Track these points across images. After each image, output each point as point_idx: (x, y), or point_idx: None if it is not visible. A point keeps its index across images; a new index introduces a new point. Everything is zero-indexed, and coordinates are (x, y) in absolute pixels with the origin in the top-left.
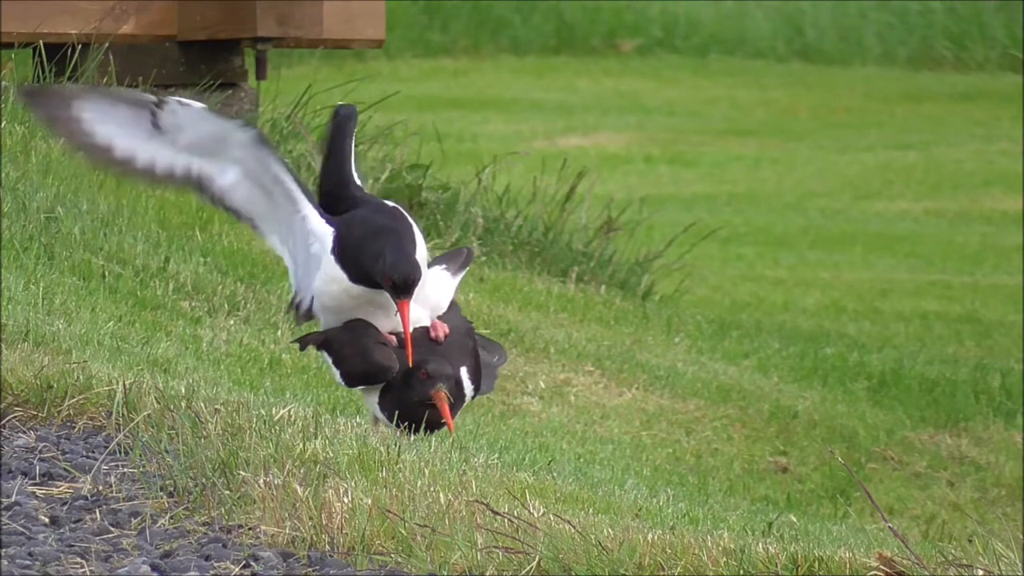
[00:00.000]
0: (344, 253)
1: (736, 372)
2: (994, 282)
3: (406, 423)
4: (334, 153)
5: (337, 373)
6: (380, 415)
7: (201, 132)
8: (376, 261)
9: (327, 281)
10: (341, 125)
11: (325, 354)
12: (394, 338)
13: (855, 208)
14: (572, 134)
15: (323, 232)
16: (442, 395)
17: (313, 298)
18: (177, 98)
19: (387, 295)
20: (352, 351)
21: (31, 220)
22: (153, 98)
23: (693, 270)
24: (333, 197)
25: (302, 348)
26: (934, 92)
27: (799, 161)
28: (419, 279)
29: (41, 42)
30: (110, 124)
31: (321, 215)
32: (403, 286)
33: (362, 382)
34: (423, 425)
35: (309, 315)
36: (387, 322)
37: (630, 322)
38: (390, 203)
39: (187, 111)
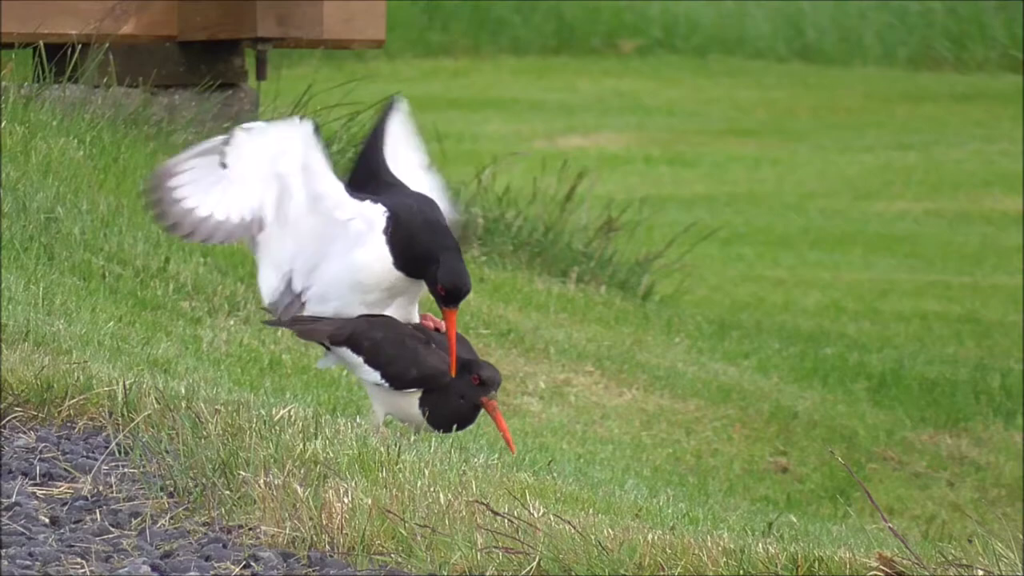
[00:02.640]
0: (396, 238)
1: (736, 372)
2: (994, 282)
3: (445, 425)
4: (374, 139)
5: (373, 372)
6: (413, 413)
7: (259, 152)
8: (431, 266)
9: (368, 260)
10: (386, 114)
11: (348, 350)
12: (430, 322)
13: (855, 208)
14: (572, 134)
15: (374, 212)
16: (495, 403)
17: (311, 286)
18: (243, 126)
19: (418, 285)
20: (400, 353)
21: (31, 220)
22: (223, 137)
23: (693, 270)
24: (365, 179)
25: (304, 337)
26: (934, 92)
27: (799, 161)
28: (469, 291)
29: (41, 42)
30: (191, 185)
31: (362, 195)
32: (454, 297)
33: (413, 386)
34: (452, 422)
35: (297, 305)
36: (399, 313)
37: (630, 322)
38: (420, 192)
39: (247, 133)
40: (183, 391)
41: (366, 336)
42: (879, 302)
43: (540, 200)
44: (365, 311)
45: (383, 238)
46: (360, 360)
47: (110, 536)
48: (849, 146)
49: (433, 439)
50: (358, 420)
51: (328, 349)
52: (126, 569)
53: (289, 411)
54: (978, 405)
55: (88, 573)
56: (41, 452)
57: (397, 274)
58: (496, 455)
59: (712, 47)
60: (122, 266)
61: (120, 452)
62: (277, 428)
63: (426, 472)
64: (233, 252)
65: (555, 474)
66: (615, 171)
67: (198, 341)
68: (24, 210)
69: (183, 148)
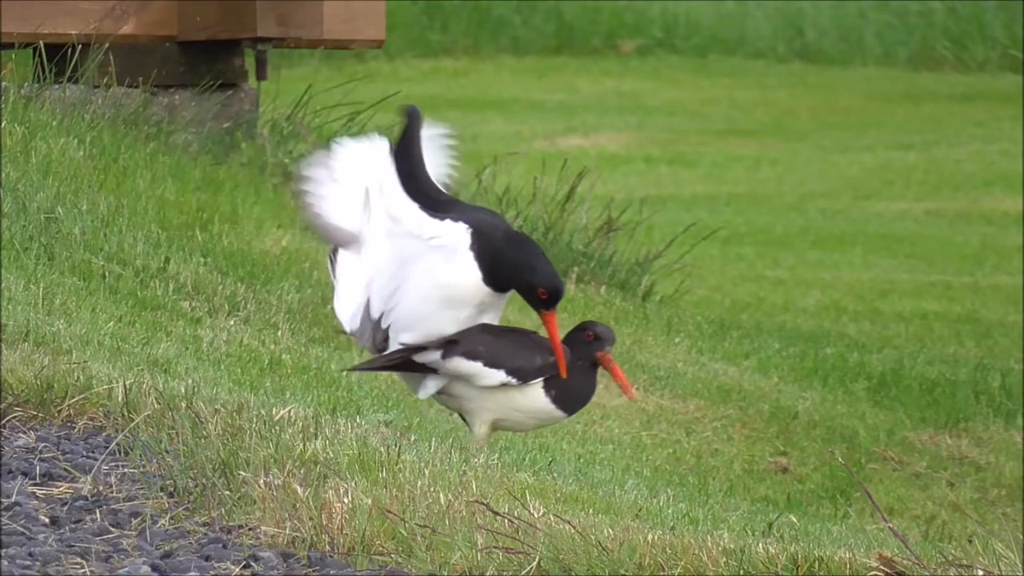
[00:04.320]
0: (483, 253)
1: (736, 372)
2: (994, 282)
3: (573, 403)
4: (411, 158)
5: (497, 372)
6: (535, 407)
7: (352, 166)
8: (528, 273)
9: (458, 278)
10: (411, 127)
11: (464, 359)
12: None
13: (855, 208)
14: (572, 134)
15: (456, 230)
16: (611, 356)
17: (393, 310)
18: (336, 140)
19: (502, 300)
20: (516, 346)
21: (31, 220)
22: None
23: (693, 270)
24: (418, 196)
25: (445, 356)
26: (934, 92)
27: (799, 161)
28: (564, 294)
29: (41, 42)
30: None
31: (438, 214)
32: (554, 299)
33: (539, 374)
34: (578, 400)
35: (378, 332)
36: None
37: (630, 322)
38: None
39: (341, 147)
40: (183, 391)
41: (477, 341)
42: (879, 302)
43: (540, 200)
44: (453, 330)
45: (471, 255)
46: (479, 365)
47: (110, 536)
48: (849, 146)
49: (432, 439)
50: (358, 420)
51: (428, 372)
52: (126, 569)
53: (289, 411)
54: (978, 405)
55: (88, 573)
56: (41, 452)
57: (487, 290)
58: (496, 455)
59: (712, 47)
60: (122, 266)
61: (120, 452)
62: (277, 428)
63: (426, 472)
64: (233, 252)
65: (555, 474)
66: (615, 171)
67: (198, 341)
68: (24, 210)
69: (183, 149)
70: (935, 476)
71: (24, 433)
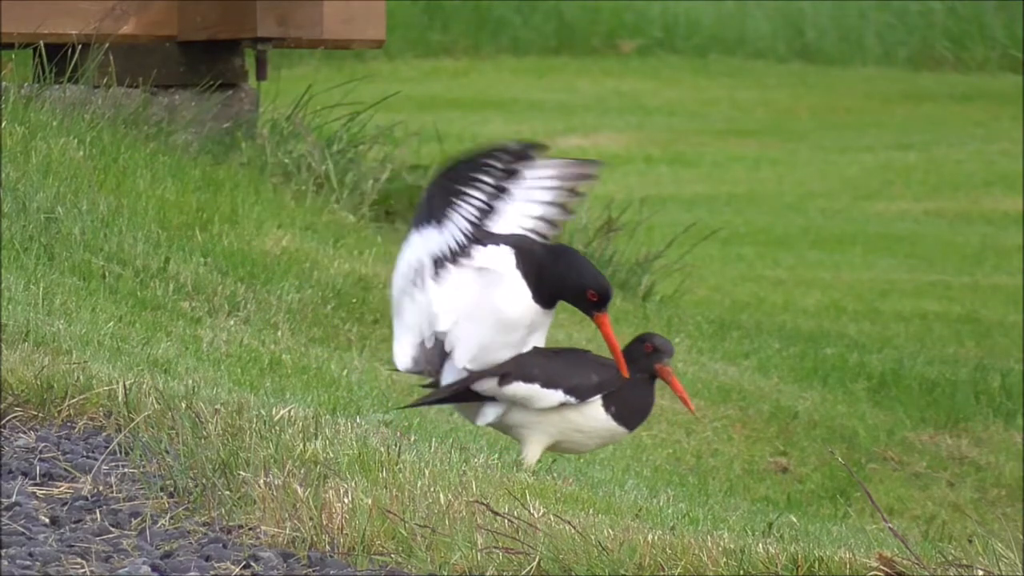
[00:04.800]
0: (529, 271)
1: (736, 372)
2: (994, 282)
3: (633, 418)
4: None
5: (555, 393)
6: (593, 426)
7: None
8: (575, 279)
9: (510, 300)
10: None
11: (521, 383)
12: None
13: (855, 208)
14: (572, 134)
15: (501, 253)
16: (670, 369)
17: (450, 341)
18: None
19: (547, 317)
20: (571, 365)
21: (31, 220)
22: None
23: (693, 270)
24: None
25: (502, 383)
26: (934, 92)
27: (799, 161)
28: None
29: (41, 42)
30: None
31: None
32: (604, 300)
33: (597, 391)
34: (638, 414)
35: (435, 364)
36: (525, 349)
37: (630, 322)
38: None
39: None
40: (183, 391)
41: (532, 363)
42: (879, 302)
43: None
44: (509, 354)
45: (517, 274)
46: (536, 387)
47: (110, 536)
48: (849, 146)
49: (432, 439)
50: (358, 420)
51: (485, 400)
52: (126, 569)
53: (289, 411)
54: (978, 405)
55: (88, 573)
56: (41, 452)
57: (536, 307)
58: (496, 455)
59: (712, 47)
60: (122, 266)
61: (120, 452)
62: (277, 428)
63: (426, 472)
64: (233, 252)
65: (555, 474)
66: (615, 171)
67: (198, 341)
68: (24, 210)
69: (183, 149)
70: (935, 476)
71: (24, 433)
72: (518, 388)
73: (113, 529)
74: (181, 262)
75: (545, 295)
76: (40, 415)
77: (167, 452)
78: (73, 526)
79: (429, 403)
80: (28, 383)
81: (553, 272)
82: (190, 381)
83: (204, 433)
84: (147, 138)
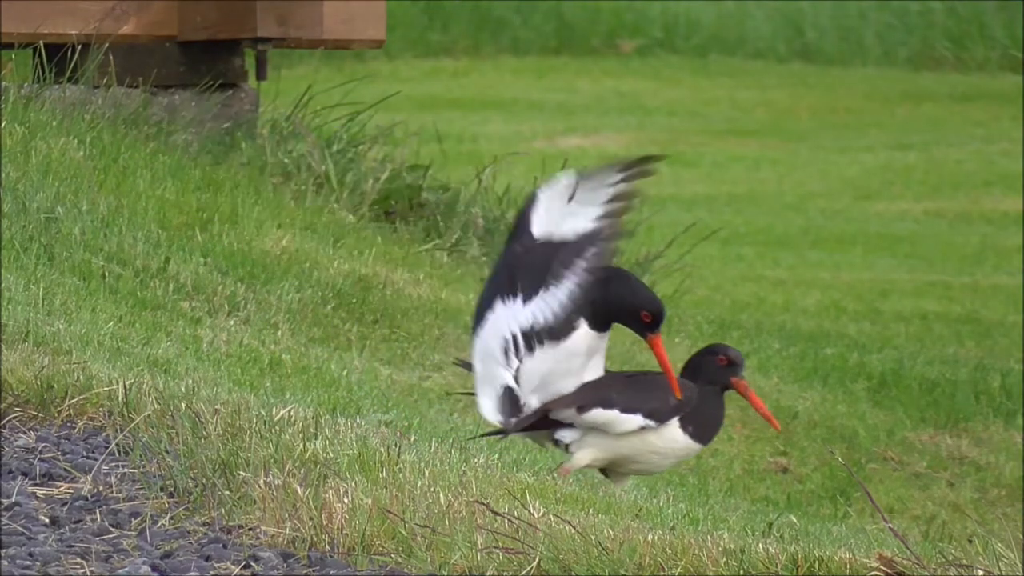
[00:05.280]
0: (584, 298)
1: None
2: (994, 282)
3: (708, 435)
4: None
5: (634, 417)
6: (669, 448)
7: None
8: (628, 301)
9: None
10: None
11: (600, 410)
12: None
13: (855, 209)
14: (572, 134)
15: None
16: (746, 383)
17: (522, 381)
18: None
19: (603, 341)
20: (646, 388)
21: (31, 220)
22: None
23: (693, 270)
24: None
25: (581, 410)
26: (934, 92)
27: (799, 162)
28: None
29: (41, 42)
30: None
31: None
32: (657, 320)
33: (675, 413)
34: (713, 428)
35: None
36: (589, 376)
37: None
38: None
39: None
40: (183, 391)
41: (609, 389)
42: (879, 302)
43: None
44: (571, 381)
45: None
46: (616, 412)
47: (110, 536)
48: (849, 146)
49: (432, 439)
50: (358, 420)
51: (562, 427)
52: (126, 569)
53: (289, 411)
54: (978, 405)
55: (88, 573)
56: (41, 452)
57: (593, 334)
58: (496, 455)
59: (712, 47)
60: (122, 266)
61: (120, 452)
62: (277, 428)
63: (426, 472)
64: (233, 252)
65: (555, 474)
66: None
67: (198, 341)
68: (24, 210)
69: (183, 149)
70: (935, 476)
71: (24, 433)
72: (597, 415)
73: (113, 529)
74: (181, 262)
75: (600, 320)
76: (40, 415)
77: (167, 452)
78: (73, 526)
79: (509, 433)
80: (28, 383)
81: (606, 296)
82: (190, 381)
83: (204, 433)
84: (147, 138)
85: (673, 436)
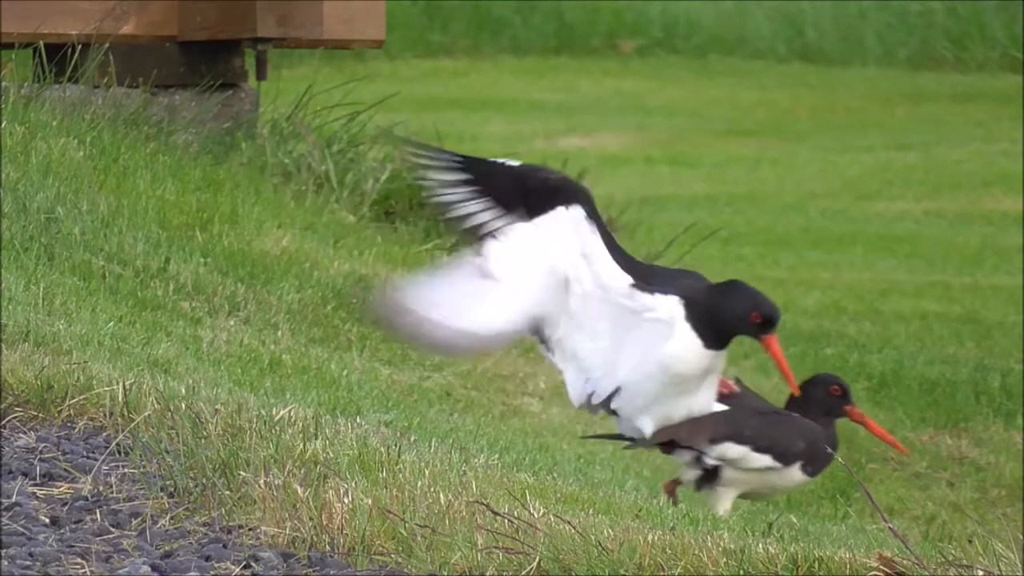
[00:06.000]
0: (698, 319)
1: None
2: (994, 282)
3: (823, 467)
4: (603, 223)
5: (762, 457)
6: (788, 485)
7: (529, 252)
8: (739, 309)
9: (682, 352)
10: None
11: (732, 444)
12: (724, 388)
13: (855, 209)
14: (572, 134)
15: (669, 303)
16: (861, 411)
17: (618, 385)
18: (495, 233)
19: (721, 360)
20: (777, 429)
21: (31, 220)
22: (470, 250)
23: (693, 271)
24: (626, 268)
25: (713, 441)
26: (934, 92)
27: (799, 162)
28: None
29: (41, 42)
30: (442, 302)
31: (647, 287)
32: (771, 321)
33: (801, 458)
34: (826, 462)
35: (603, 408)
36: (709, 391)
37: None
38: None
39: (507, 238)
40: (183, 391)
41: (742, 424)
42: (879, 302)
43: None
44: (685, 400)
45: (687, 326)
46: (747, 449)
47: (110, 536)
48: (849, 146)
49: (432, 439)
50: (358, 420)
51: (695, 452)
52: (126, 569)
53: (289, 411)
54: (978, 405)
55: (88, 573)
56: (41, 452)
57: (709, 353)
58: (496, 455)
59: (712, 47)
60: (122, 266)
61: (120, 452)
62: (277, 428)
63: (426, 472)
64: (233, 252)
65: (555, 474)
66: (615, 171)
67: (198, 341)
68: (24, 210)
69: (183, 149)
70: (935, 476)
71: (24, 433)
72: (728, 448)
73: (113, 529)
74: (181, 262)
75: (716, 337)
76: (40, 415)
77: (167, 452)
78: (73, 526)
79: (634, 445)
80: (28, 383)
81: (720, 313)
82: (190, 381)
83: (204, 433)
84: (147, 138)
85: (792, 475)
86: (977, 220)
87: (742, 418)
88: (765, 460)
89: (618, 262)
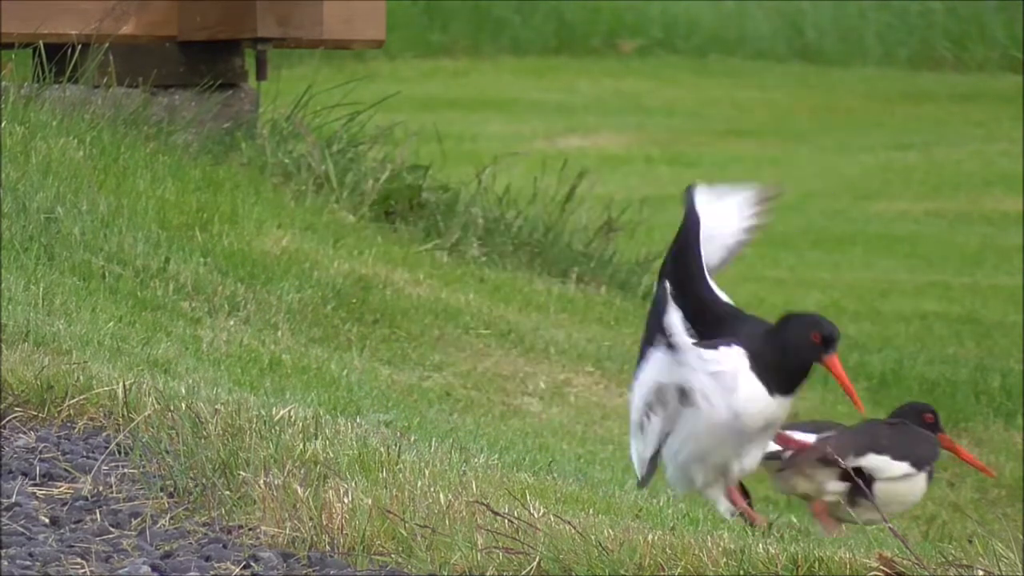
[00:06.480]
0: (761, 367)
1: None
2: (994, 282)
3: (934, 478)
4: (692, 254)
5: (902, 464)
6: (913, 496)
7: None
8: (797, 331)
9: (749, 402)
10: (693, 218)
11: (878, 455)
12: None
13: (855, 209)
14: (572, 134)
15: (731, 353)
16: (950, 438)
17: (677, 447)
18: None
19: (787, 405)
20: (904, 438)
21: (31, 220)
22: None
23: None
24: (693, 307)
25: (858, 454)
26: (934, 92)
27: (799, 162)
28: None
29: (41, 42)
30: None
31: (708, 342)
32: (828, 340)
33: (931, 462)
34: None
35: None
36: (763, 446)
37: (630, 323)
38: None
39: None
40: (183, 391)
41: (878, 434)
42: (879, 302)
43: (540, 200)
44: (735, 461)
45: (752, 375)
46: (886, 459)
47: (110, 536)
48: (849, 146)
49: (432, 439)
50: (358, 420)
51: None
52: (126, 569)
53: (289, 411)
54: (978, 405)
55: (88, 573)
56: (41, 452)
57: (775, 400)
58: (496, 455)
59: (712, 47)
60: (122, 266)
61: (120, 452)
62: (277, 428)
63: (426, 472)
64: (233, 252)
65: (555, 474)
66: (615, 171)
67: (198, 341)
68: (24, 210)
69: (183, 149)
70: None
71: (24, 433)
72: (870, 459)
73: (113, 529)
74: (181, 262)
75: (783, 380)
76: (40, 415)
77: (167, 452)
78: (73, 526)
79: (782, 466)
80: (28, 383)
81: (782, 353)
82: (190, 381)
83: (204, 433)
84: (147, 138)
85: (920, 485)
86: (977, 220)
87: (873, 430)
88: (903, 467)
89: (695, 304)
